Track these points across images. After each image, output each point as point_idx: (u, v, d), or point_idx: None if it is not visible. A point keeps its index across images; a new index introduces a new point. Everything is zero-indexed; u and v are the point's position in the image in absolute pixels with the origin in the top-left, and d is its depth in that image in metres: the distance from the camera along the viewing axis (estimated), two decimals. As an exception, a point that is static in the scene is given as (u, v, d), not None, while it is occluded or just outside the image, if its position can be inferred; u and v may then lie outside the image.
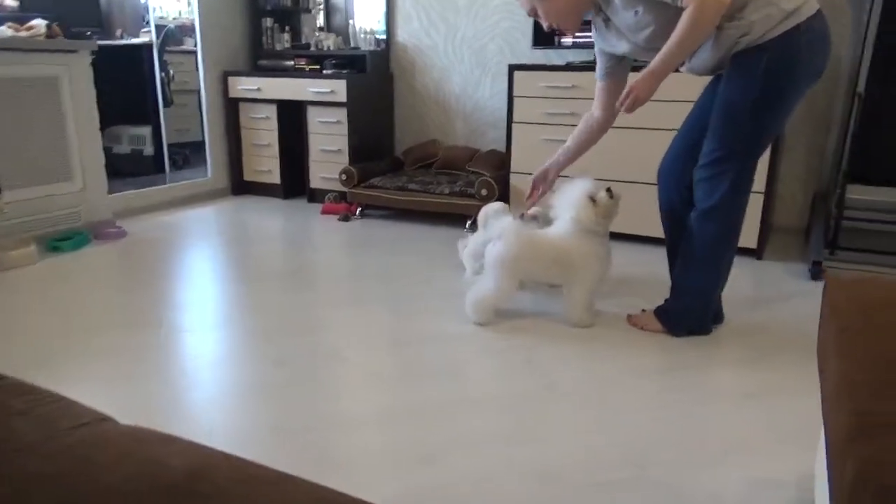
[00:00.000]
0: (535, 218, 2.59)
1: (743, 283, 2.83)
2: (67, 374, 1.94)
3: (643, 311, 2.35)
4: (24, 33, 3.02)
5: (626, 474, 1.48)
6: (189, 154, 4.92)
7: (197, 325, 2.32)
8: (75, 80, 3.26)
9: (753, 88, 1.93)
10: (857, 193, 2.93)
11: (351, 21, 4.32)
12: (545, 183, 2.39)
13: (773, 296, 2.66)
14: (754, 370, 2.00)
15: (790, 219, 3.49)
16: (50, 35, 3.08)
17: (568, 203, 2.24)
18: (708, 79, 2.21)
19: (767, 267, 3.01)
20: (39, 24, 3.06)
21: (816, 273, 2.81)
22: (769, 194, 3.02)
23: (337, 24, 4.43)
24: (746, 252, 3.10)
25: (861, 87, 2.86)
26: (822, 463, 1.05)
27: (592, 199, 2.20)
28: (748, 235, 3.07)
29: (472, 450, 1.57)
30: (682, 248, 2.18)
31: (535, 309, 2.51)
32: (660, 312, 2.27)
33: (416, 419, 1.71)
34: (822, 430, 1.31)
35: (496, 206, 2.73)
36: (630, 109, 1.97)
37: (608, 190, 2.21)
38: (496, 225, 2.38)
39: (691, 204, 2.13)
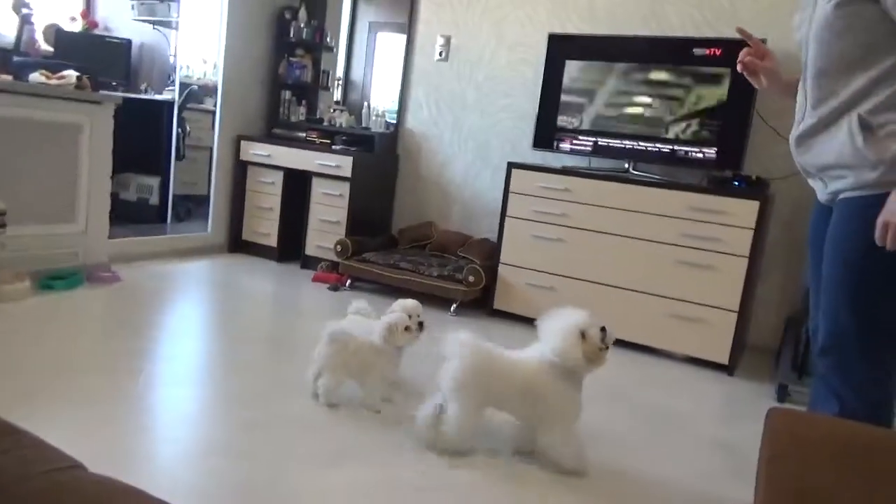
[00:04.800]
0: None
1: (715, 398, 2.90)
2: (48, 414, 1.97)
3: None
4: (55, 82, 3.20)
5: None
6: (192, 208, 5.06)
7: (177, 379, 2.37)
8: (96, 130, 3.42)
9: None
10: (827, 322, 3.03)
11: (366, 102, 4.56)
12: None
13: (743, 413, 2.73)
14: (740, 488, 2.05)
15: (764, 339, 3.59)
16: (79, 86, 3.26)
17: (552, 331, 1.91)
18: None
19: (737, 384, 3.08)
20: (70, 74, 3.24)
21: (782, 396, 2.88)
22: (743, 313, 3.13)
23: (351, 102, 4.66)
24: (718, 367, 3.18)
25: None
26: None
27: (583, 335, 1.87)
28: (721, 351, 3.17)
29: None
30: None
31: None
32: None
33: None
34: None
35: (410, 304, 2.35)
36: None
37: (602, 329, 1.88)
38: (448, 340, 1.98)
39: None
